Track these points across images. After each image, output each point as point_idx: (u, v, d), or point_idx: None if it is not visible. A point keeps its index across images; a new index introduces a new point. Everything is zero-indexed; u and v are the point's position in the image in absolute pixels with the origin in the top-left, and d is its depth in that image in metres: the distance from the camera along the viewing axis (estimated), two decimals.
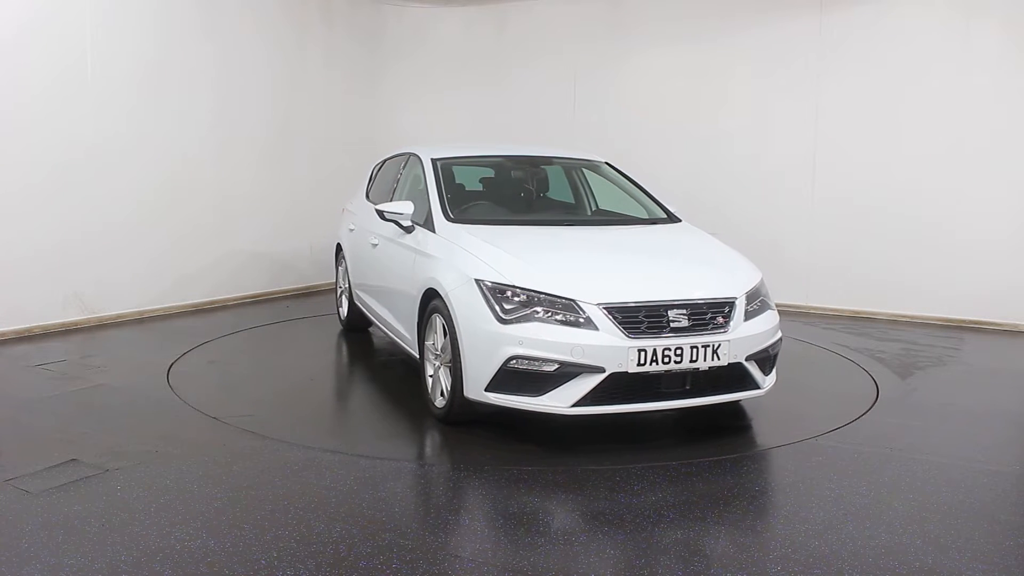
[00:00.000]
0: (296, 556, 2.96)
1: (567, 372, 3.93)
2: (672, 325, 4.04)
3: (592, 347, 3.91)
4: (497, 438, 4.32)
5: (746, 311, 4.28)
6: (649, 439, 4.46)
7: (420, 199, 5.25)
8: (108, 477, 3.67)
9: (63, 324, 6.72)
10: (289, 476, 3.74)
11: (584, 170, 6.08)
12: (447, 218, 4.91)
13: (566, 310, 3.99)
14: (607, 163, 5.99)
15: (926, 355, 6.45)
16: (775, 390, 5.42)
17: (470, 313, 4.14)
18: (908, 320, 7.90)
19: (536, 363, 3.94)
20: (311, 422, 4.61)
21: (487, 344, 4.03)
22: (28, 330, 6.48)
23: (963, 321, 7.71)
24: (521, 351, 3.94)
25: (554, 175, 6.11)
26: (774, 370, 4.57)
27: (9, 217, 6.33)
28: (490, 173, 6.06)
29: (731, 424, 4.69)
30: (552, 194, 6.03)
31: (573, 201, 6.02)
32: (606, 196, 6.05)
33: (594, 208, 5.97)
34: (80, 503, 3.39)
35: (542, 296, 4.03)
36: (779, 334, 4.52)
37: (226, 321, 7.35)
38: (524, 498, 3.54)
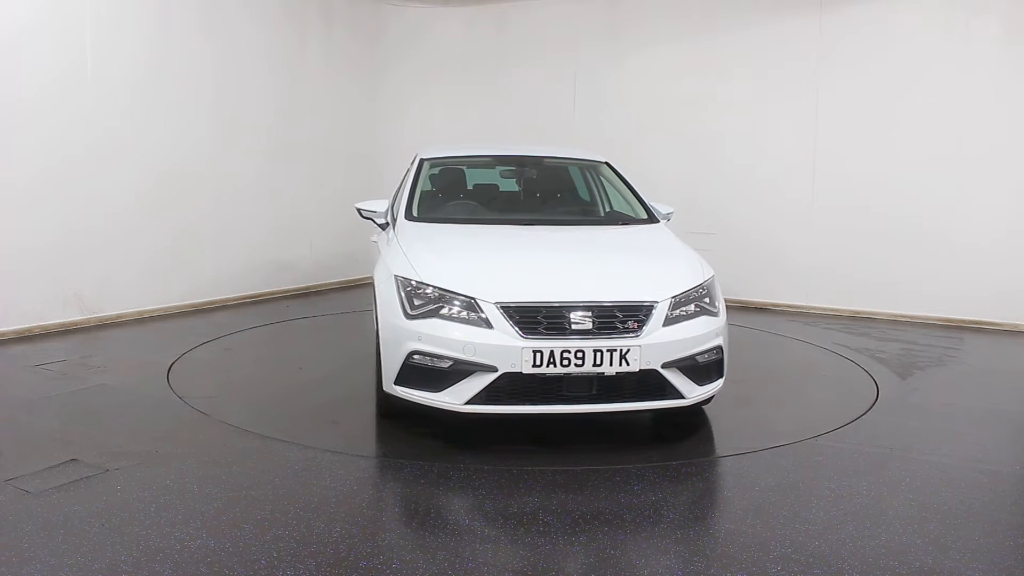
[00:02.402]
0: (296, 556, 2.96)
1: (461, 370, 3.93)
2: (574, 327, 3.92)
3: (485, 345, 3.88)
4: (496, 438, 4.32)
5: (669, 316, 4.07)
6: (648, 439, 4.46)
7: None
8: (108, 477, 3.67)
9: (63, 324, 6.72)
10: (289, 476, 3.74)
11: (581, 170, 6.06)
12: (407, 216, 5.08)
13: (468, 308, 4.00)
14: (607, 163, 5.93)
15: (926, 355, 6.45)
16: (775, 390, 5.41)
17: (385, 308, 4.24)
18: (908, 320, 7.90)
19: (433, 359, 3.97)
20: (312, 422, 4.60)
21: (395, 338, 4.11)
22: (28, 330, 6.48)
23: (963, 321, 7.71)
24: (420, 346, 3.99)
25: (549, 175, 6.12)
26: (718, 381, 4.33)
27: (8, 216, 6.34)
28: (483, 172, 6.12)
29: (731, 424, 4.69)
30: (543, 194, 6.01)
31: (561, 201, 5.94)
32: (602, 196, 6.02)
33: (583, 208, 5.83)
34: (80, 503, 3.39)
35: (447, 294, 4.06)
36: (715, 341, 4.22)
37: (226, 321, 7.35)
38: (524, 498, 3.54)
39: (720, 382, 4.36)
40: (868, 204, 8.06)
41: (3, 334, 6.31)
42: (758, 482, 3.76)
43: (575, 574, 2.89)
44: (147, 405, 4.82)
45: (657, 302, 4.08)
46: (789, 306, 8.47)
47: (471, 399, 3.93)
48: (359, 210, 5.31)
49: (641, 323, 4.00)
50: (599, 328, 3.94)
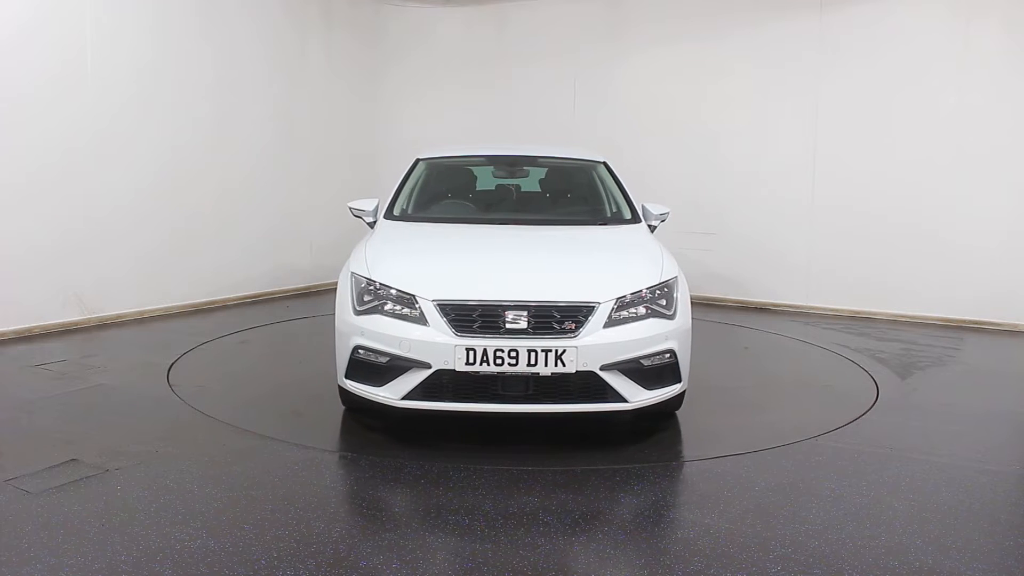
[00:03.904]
0: (296, 556, 2.96)
1: (398, 365, 3.99)
2: (508, 326, 3.91)
3: (419, 342, 3.93)
4: (494, 438, 4.32)
5: (613, 317, 4.02)
6: (648, 439, 4.45)
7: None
8: (108, 477, 3.67)
9: (63, 324, 6.72)
10: (289, 476, 3.74)
11: (577, 170, 6.04)
12: (386, 215, 5.25)
13: (407, 305, 4.06)
14: (604, 164, 5.88)
15: (926, 355, 6.45)
16: (775, 390, 5.41)
17: (339, 304, 4.37)
18: (908, 320, 7.90)
19: (373, 354, 4.06)
20: (312, 422, 4.60)
21: (344, 333, 4.23)
22: (28, 330, 6.48)
23: (963, 321, 7.71)
24: (363, 341, 4.09)
25: (543, 175, 6.12)
26: (674, 386, 4.24)
27: (8, 215, 6.34)
28: (477, 172, 6.15)
29: (731, 424, 4.69)
30: (533, 194, 6.01)
31: (550, 201, 5.92)
32: (594, 196, 5.94)
33: (569, 208, 5.76)
34: (80, 503, 3.38)
35: (390, 291, 4.13)
36: (664, 345, 4.12)
37: (226, 321, 7.35)
38: (524, 498, 3.54)
39: (676, 387, 4.26)
40: (868, 204, 8.06)
41: (3, 334, 6.32)
42: (758, 482, 3.76)
43: (575, 574, 2.89)
44: (147, 405, 4.82)
45: (599, 303, 4.01)
46: (789, 306, 8.47)
47: (407, 395, 3.99)
48: (351, 209, 5.41)
49: (580, 324, 3.95)
50: (535, 328, 3.93)
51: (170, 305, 7.63)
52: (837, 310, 8.25)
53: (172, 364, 5.70)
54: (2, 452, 3.96)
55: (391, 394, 4.03)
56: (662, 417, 4.66)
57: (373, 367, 4.08)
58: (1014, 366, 6.34)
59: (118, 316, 7.16)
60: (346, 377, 4.24)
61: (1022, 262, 7.48)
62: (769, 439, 4.36)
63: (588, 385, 3.98)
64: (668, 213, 5.50)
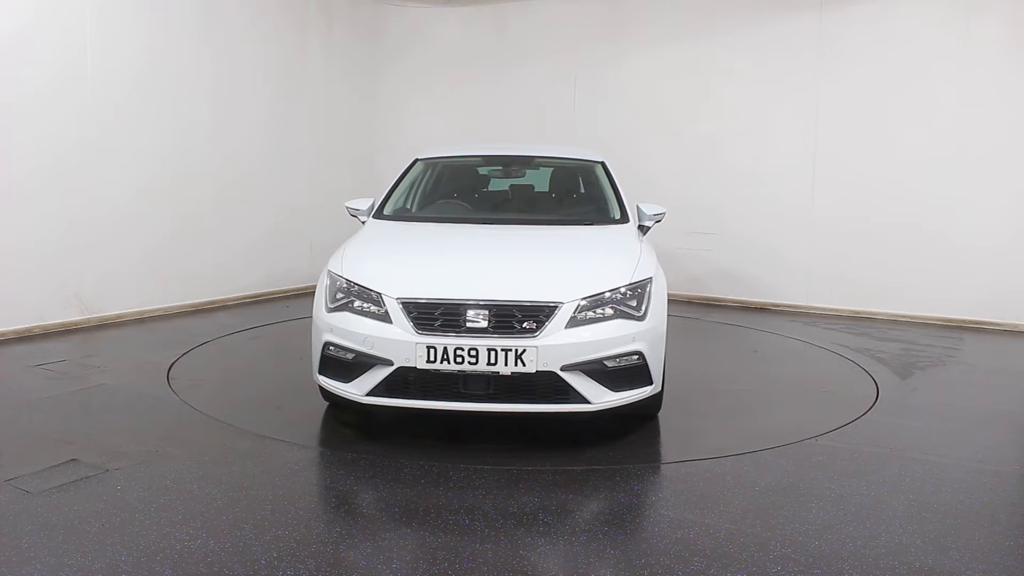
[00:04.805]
0: (296, 556, 2.96)
1: (363, 362, 4.04)
2: (469, 325, 3.92)
3: (382, 339, 3.98)
4: (495, 438, 4.32)
5: (576, 318, 3.98)
6: (648, 439, 4.45)
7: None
8: (108, 477, 3.67)
9: (63, 324, 6.72)
10: (289, 476, 3.74)
11: (573, 170, 6.03)
12: (375, 214, 5.31)
13: (373, 303, 4.11)
14: (602, 163, 5.84)
15: (926, 355, 6.46)
16: (775, 390, 5.41)
17: (316, 301, 4.43)
18: (908, 320, 7.90)
19: (341, 351, 4.12)
20: (312, 422, 4.60)
21: (318, 329, 4.29)
22: (28, 330, 6.48)
23: (963, 321, 7.71)
24: (332, 338, 4.16)
25: (537, 175, 6.12)
26: (644, 388, 4.15)
27: (8, 214, 6.34)
28: (472, 172, 6.18)
29: (730, 424, 4.69)
30: (525, 194, 6.01)
31: (541, 201, 5.91)
32: (588, 196, 5.92)
33: (560, 208, 5.75)
34: (80, 503, 3.39)
35: (359, 289, 4.19)
36: (631, 346, 4.04)
37: (226, 321, 7.35)
38: (524, 498, 3.54)
39: (647, 390, 4.18)
40: (868, 204, 8.06)
41: (3, 334, 6.32)
42: (758, 482, 3.76)
43: (575, 574, 2.89)
44: (147, 405, 4.82)
45: (561, 303, 3.99)
46: (789, 306, 8.47)
47: (371, 391, 4.04)
48: (347, 208, 5.46)
49: (541, 324, 3.93)
50: (495, 327, 3.92)
51: (170, 305, 7.63)
52: (837, 310, 8.25)
53: (172, 364, 5.70)
54: (2, 452, 3.96)
55: (357, 390, 4.09)
56: (661, 417, 4.66)
57: (342, 363, 4.15)
58: (1014, 366, 6.34)
59: (118, 316, 7.16)
60: (319, 373, 4.31)
61: (1022, 262, 7.48)
62: (769, 439, 4.36)
63: (549, 385, 3.95)
64: (663, 214, 5.46)
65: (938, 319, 7.82)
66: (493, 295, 4.00)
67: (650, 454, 4.17)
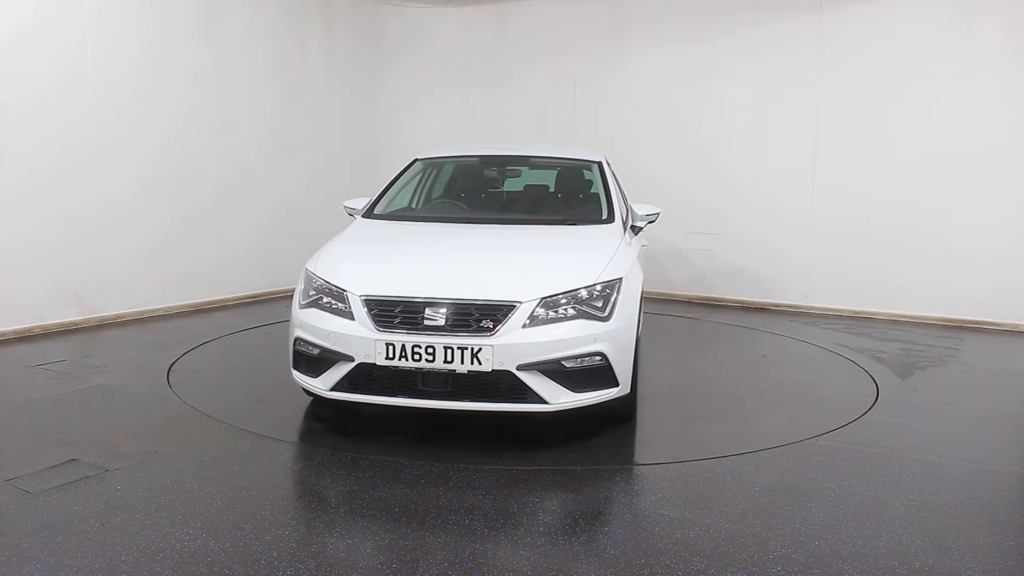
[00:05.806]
0: (296, 556, 2.96)
1: (328, 358, 4.12)
2: (427, 323, 3.94)
3: (344, 336, 4.04)
4: (495, 438, 4.32)
5: (536, 317, 3.96)
6: (647, 439, 4.45)
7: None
8: (108, 477, 3.67)
9: (63, 324, 6.72)
10: (289, 476, 3.74)
11: (570, 170, 6.03)
12: (364, 213, 5.37)
13: (340, 300, 4.18)
14: (599, 163, 5.80)
15: (926, 355, 6.45)
16: (775, 389, 5.41)
17: (294, 298, 4.51)
18: (908, 320, 7.90)
19: (308, 346, 4.22)
20: (312, 422, 4.60)
21: (292, 325, 4.41)
22: (28, 330, 6.48)
23: (963, 321, 7.71)
24: (301, 334, 4.26)
25: (532, 175, 6.13)
26: (609, 390, 4.12)
27: (8, 214, 6.34)
28: (469, 172, 6.20)
29: (730, 424, 4.69)
30: (517, 194, 6.01)
31: (531, 201, 5.89)
32: (581, 196, 5.89)
33: (548, 208, 5.71)
34: (80, 503, 3.38)
35: (327, 285, 4.27)
36: (592, 347, 4.00)
37: (226, 321, 7.35)
38: (524, 498, 3.54)
39: (612, 391, 4.13)
40: (868, 204, 8.06)
41: (3, 334, 6.32)
42: (758, 482, 3.76)
43: (575, 574, 2.89)
44: (147, 405, 4.82)
45: (520, 302, 3.98)
46: (789, 306, 8.47)
47: (334, 386, 4.12)
48: (345, 207, 5.50)
49: (498, 322, 3.93)
50: (453, 325, 3.94)
51: (170, 305, 7.63)
52: (837, 310, 8.25)
53: (172, 364, 5.70)
54: (2, 452, 3.96)
55: (323, 385, 4.17)
56: (661, 417, 4.66)
57: (311, 359, 4.23)
58: (1014, 366, 6.34)
59: (118, 316, 7.16)
60: (293, 368, 4.41)
61: (1022, 262, 7.48)
62: (769, 439, 4.36)
63: (506, 384, 3.95)
64: (657, 214, 5.41)
65: (938, 319, 7.82)
66: (451, 294, 4.04)
67: (649, 454, 4.17)
